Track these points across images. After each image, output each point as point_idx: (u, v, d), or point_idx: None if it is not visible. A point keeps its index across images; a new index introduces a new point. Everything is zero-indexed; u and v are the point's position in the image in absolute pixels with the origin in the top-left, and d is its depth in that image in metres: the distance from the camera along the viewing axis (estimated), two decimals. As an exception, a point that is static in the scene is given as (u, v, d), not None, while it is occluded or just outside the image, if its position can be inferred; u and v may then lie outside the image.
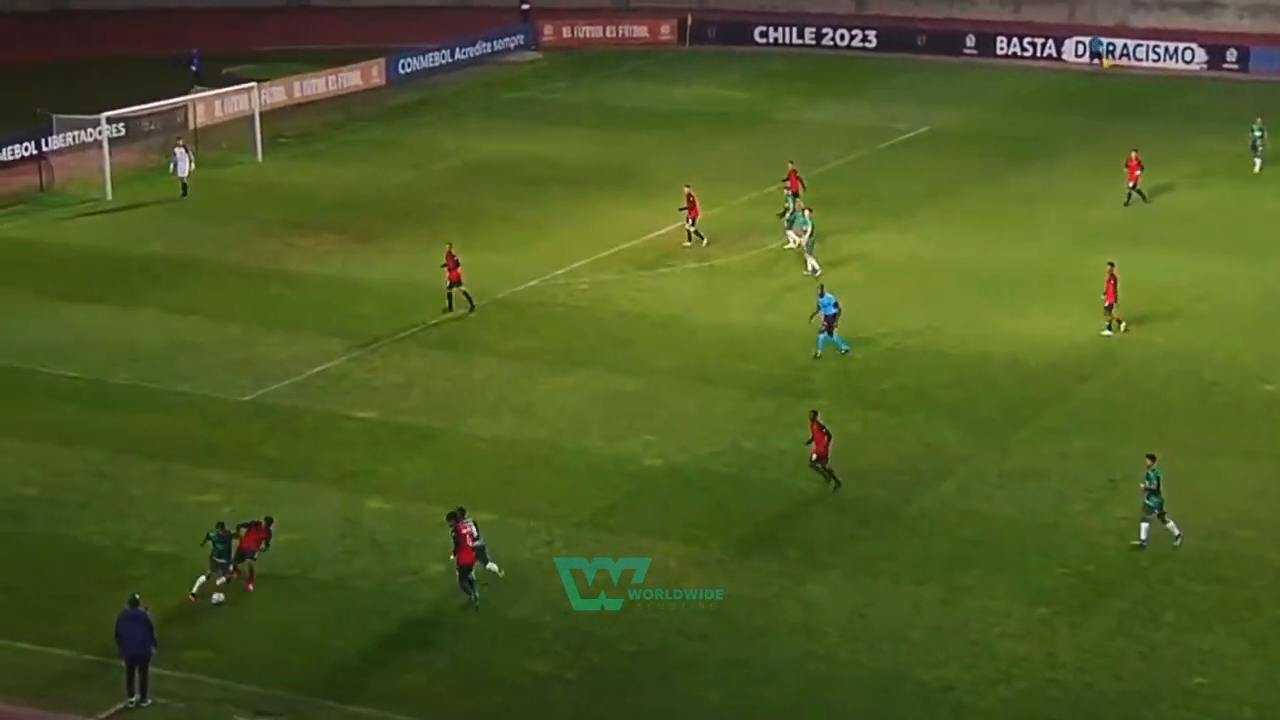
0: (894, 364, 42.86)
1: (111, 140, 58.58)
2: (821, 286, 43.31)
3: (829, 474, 35.44)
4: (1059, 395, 40.92)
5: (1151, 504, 33.21)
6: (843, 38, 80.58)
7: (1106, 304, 44.29)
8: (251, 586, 31.57)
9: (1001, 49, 78.49)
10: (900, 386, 41.41)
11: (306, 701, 28.50)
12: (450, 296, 45.70)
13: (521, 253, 51.24)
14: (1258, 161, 59.70)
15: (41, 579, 32.39)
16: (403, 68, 74.93)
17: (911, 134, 65.84)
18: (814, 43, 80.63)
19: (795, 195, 52.55)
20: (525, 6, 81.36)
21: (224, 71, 71.75)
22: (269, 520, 32.09)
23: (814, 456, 35.48)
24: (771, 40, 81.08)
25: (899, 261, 50.88)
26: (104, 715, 28.09)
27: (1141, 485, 33.42)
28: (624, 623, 30.76)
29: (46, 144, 59.66)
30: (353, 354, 43.51)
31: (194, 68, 69.79)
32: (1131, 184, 55.18)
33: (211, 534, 31.52)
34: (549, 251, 51.16)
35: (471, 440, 38.38)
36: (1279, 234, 53.35)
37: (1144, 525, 33.24)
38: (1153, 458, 33.53)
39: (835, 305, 42.67)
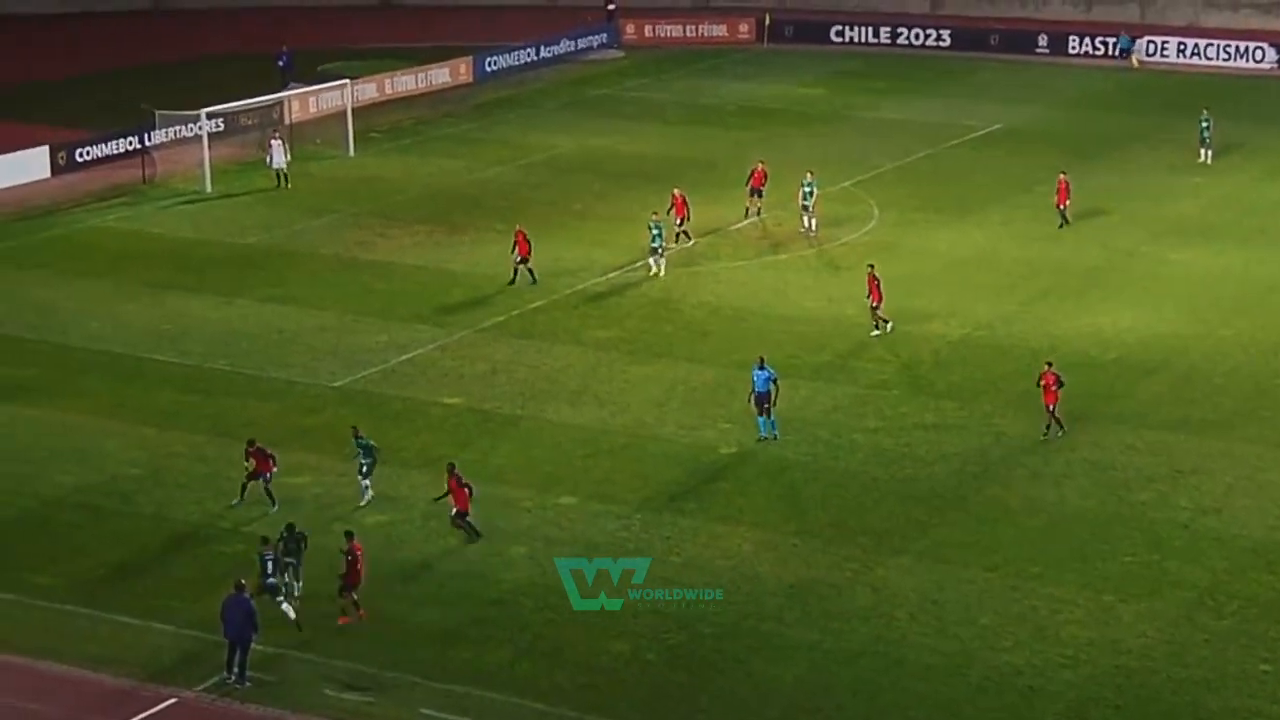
0: (963, 356, 42.67)
1: (211, 135, 59.25)
2: (762, 358, 37.88)
3: (470, 529, 32.90)
4: (1125, 389, 40.59)
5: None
6: (917, 37, 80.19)
7: (872, 304, 43.28)
8: (343, 620, 30.15)
9: (1073, 48, 77.84)
10: (969, 378, 41.22)
11: (394, 677, 28.78)
12: (516, 271, 47.41)
13: (603, 246, 51.37)
14: (1205, 153, 58.52)
15: (144, 556, 32.90)
16: (490, 65, 75.27)
17: (984, 131, 65.42)
18: (889, 42, 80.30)
19: (683, 220, 50.46)
20: (611, 6, 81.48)
21: (319, 68, 72.35)
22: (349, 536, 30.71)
23: (454, 511, 32.88)
24: (848, 39, 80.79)
25: (970, 256, 50.61)
26: (201, 688, 28.52)
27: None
28: (701, 604, 30.84)
29: (150, 138, 60.46)
30: (440, 342, 43.83)
31: (282, 64, 70.31)
32: (1060, 206, 52.21)
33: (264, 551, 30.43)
34: (629, 245, 51.24)
35: (554, 427, 38.57)
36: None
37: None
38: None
39: (772, 381, 37.05)
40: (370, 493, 34.67)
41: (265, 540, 30.83)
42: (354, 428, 35.43)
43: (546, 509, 34.58)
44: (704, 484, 35.79)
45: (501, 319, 45.42)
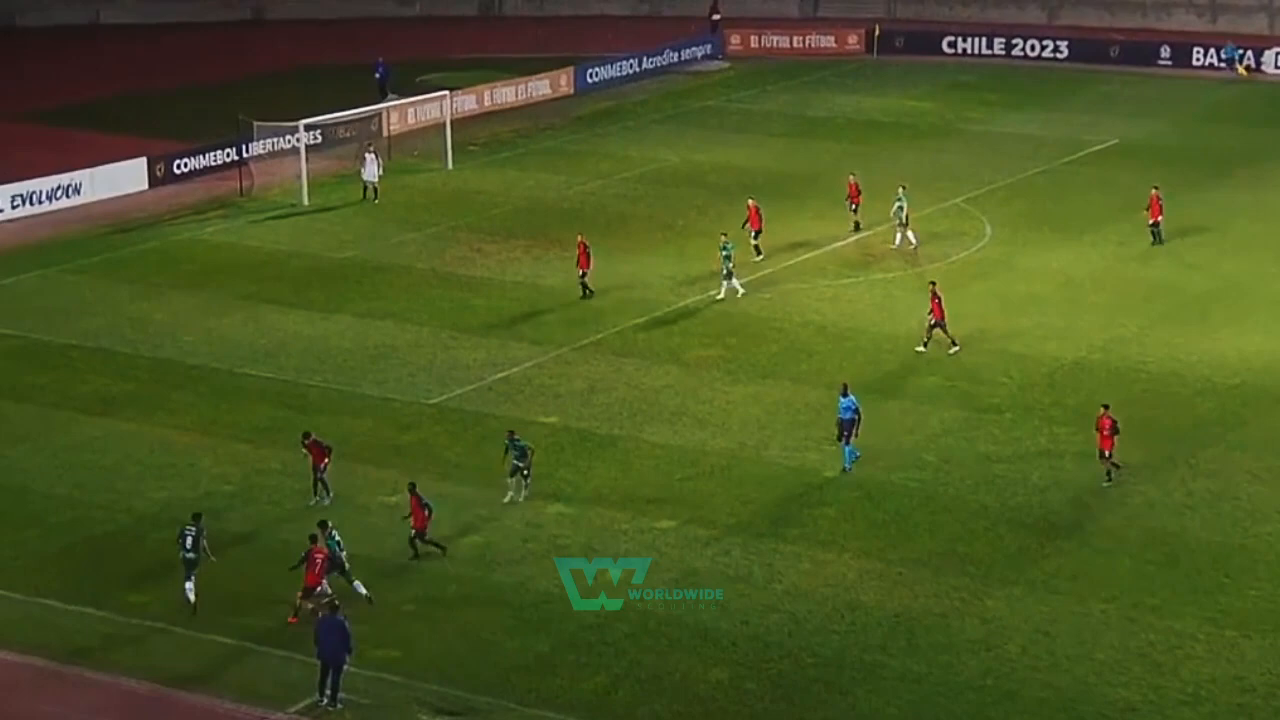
0: (1078, 379, 42.13)
1: (309, 147, 59.93)
2: (845, 385, 37.75)
3: (431, 544, 33.26)
4: (1251, 416, 39.87)
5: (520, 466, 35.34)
6: (1033, 48, 79.47)
7: (933, 321, 42.86)
8: (293, 620, 30.97)
9: (1198, 60, 76.79)
10: (1085, 402, 40.60)
11: (488, 703, 28.84)
12: (584, 287, 47.89)
13: (705, 261, 51.26)
14: None
15: (236, 574, 33.16)
16: (591, 77, 75.55)
17: (1102, 147, 64.67)
18: (1004, 53, 79.65)
19: (758, 232, 50.79)
20: (716, 16, 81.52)
21: (417, 80, 72.99)
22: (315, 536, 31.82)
23: (412, 532, 33.27)
24: (960, 50, 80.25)
25: (1086, 276, 50.00)
26: (294, 709, 28.73)
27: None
28: (803, 633, 30.70)
29: (247, 150, 61.28)
30: (537, 360, 43.96)
31: (379, 76, 70.91)
32: (1152, 222, 51.34)
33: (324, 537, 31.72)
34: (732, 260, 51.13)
35: (652, 448, 38.53)
36: None
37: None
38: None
39: (855, 410, 36.75)
40: (525, 491, 35.57)
41: (197, 516, 32.04)
42: (510, 431, 36.14)
43: (644, 532, 34.53)
44: (806, 509, 35.58)
45: (600, 336, 45.47)
